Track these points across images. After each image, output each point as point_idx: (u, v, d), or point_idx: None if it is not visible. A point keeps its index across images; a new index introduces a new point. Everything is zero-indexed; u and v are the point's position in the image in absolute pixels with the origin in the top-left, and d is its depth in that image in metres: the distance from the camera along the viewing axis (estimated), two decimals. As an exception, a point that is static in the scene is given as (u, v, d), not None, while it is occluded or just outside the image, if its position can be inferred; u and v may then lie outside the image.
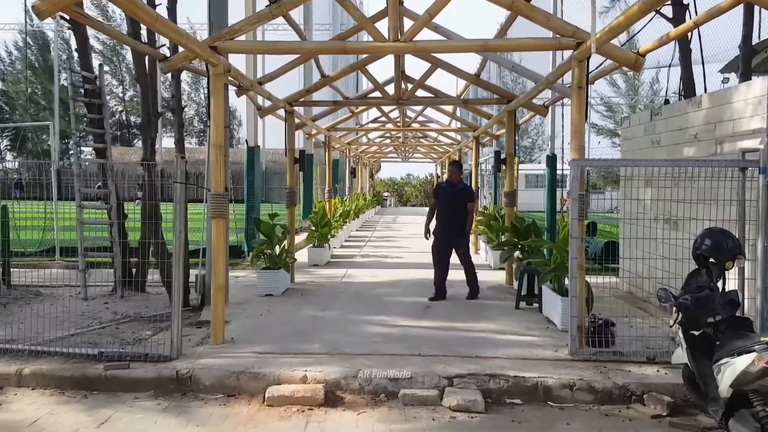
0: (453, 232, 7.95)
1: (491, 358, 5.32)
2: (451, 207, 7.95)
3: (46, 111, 48.97)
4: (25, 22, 24.87)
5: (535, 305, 7.33)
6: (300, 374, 4.82)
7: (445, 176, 18.01)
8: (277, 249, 8.32)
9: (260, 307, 7.22)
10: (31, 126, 36.22)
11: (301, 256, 12.16)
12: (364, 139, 21.51)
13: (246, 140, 11.03)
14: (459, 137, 18.56)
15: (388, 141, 21.55)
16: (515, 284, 8.60)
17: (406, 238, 17.07)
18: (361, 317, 6.78)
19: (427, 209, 8.70)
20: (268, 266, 8.15)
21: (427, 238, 8.17)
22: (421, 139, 21.00)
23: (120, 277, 7.51)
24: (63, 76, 56.06)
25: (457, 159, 12.88)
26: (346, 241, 16.04)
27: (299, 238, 13.89)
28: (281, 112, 9.28)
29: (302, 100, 9.16)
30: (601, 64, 6.78)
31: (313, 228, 11.84)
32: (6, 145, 57.72)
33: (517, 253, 8.65)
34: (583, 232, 5.47)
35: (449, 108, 12.78)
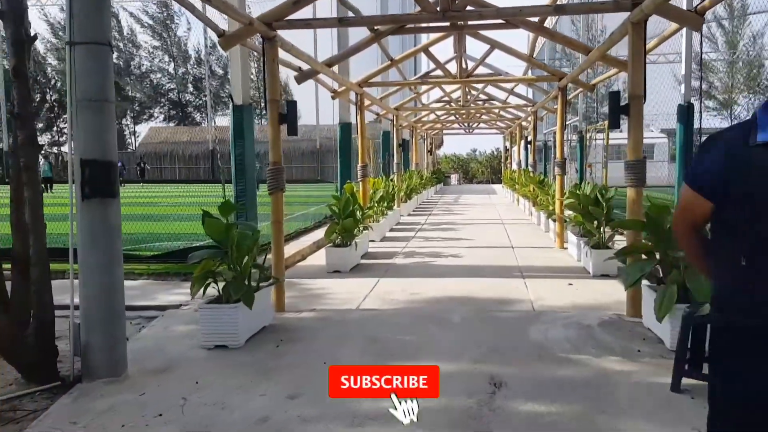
0: None
1: None
2: None
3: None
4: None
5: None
6: None
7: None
8: (249, 261, 4.96)
9: (182, 384, 3.86)
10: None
11: (319, 258, 8.85)
12: (415, 104, 17.86)
13: (230, 95, 7.73)
14: (532, 95, 14.65)
15: (446, 104, 17.78)
16: (646, 316, 4.95)
17: (468, 225, 13.45)
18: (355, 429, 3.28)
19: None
20: (221, 298, 4.82)
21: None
22: (486, 103, 17.14)
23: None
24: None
25: None
26: (391, 230, 12.62)
27: (319, 234, 10.52)
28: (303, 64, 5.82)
29: (290, 18, 5.67)
30: None
31: (335, 220, 8.48)
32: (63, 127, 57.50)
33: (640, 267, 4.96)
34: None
35: (528, 32, 8.93)
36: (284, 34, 6.53)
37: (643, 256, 4.89)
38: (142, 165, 39.14)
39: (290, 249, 9.44)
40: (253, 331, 4.94)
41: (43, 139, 55.56)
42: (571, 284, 7.07)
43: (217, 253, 4.80)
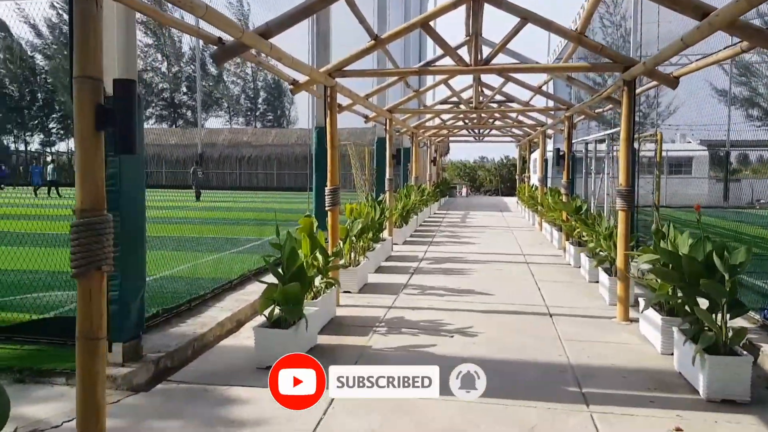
0: None
1: None
2: None
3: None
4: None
5: None
6: None
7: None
8: None
9: None
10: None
11: (247, 336, 5.67)
12: (418, 105, 14.68)
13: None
14: (572, 93, 11.47)
15: (454, 106, 14.58)
16: None
17: (480, 264, 10.17)
18: None
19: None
20: None
21: None
22: (502, 105, 13.93)
23: None
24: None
25: None
26: (378, 270, 9.46)
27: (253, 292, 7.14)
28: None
29: None
30: None
31: (277, 280, 5.28)
32: (52, 127, 54.52)
33: None
34: None
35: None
36: None
37: None
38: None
39: (219, 311, 6.31)
40: None
41: (35, 140, 52.56)
42: (680, 430, 3.87)
43: None
